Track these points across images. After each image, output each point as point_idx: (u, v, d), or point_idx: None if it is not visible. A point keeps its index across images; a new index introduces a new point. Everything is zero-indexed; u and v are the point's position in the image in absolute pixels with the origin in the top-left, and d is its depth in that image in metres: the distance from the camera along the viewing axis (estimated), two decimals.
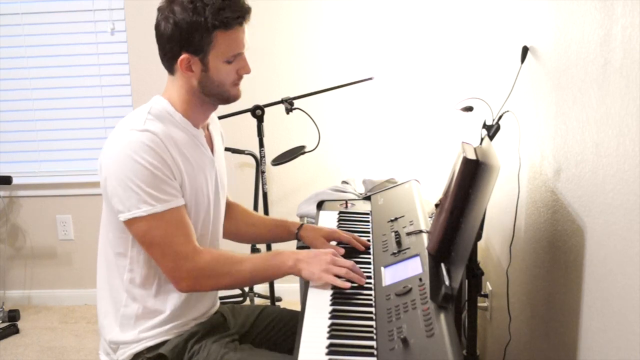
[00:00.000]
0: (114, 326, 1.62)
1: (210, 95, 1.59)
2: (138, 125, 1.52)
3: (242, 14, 1.52)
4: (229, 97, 1.61)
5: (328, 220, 2.01)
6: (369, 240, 1.80)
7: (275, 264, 1.57)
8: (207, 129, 1.71)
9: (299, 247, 2.09)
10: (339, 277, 1.52)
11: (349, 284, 1.50)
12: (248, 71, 1.60)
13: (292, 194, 3.38)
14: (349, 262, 1.56)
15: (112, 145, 1.53)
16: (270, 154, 2.83)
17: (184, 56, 1.52)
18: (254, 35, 3.48)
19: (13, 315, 3.34)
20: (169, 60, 1.56)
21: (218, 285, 1.60)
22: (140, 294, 1.59)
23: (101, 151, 1.55)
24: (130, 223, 1.51)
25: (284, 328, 1.81)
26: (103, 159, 1.54)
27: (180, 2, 1.49)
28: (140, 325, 1.59)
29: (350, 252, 1.74)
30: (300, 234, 1.87)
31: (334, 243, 1.80)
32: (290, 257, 1.56)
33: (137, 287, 1.59)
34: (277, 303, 3.08)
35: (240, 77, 1.60)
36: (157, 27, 1.55)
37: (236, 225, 1.88)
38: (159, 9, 1.54)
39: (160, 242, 1.50)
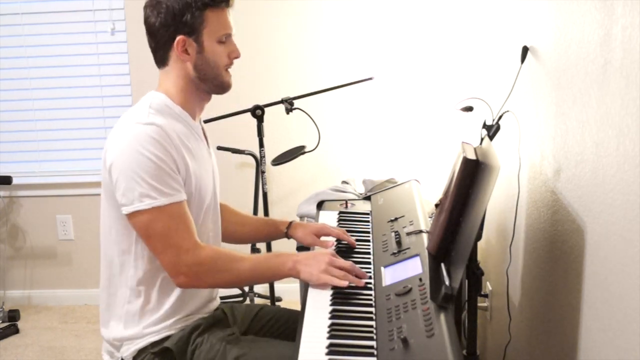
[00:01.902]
0: (118, 323, 1.62)
1: (205, 79, 1.62)
2: (142, 118, 1.53)
3: None
4: (223, 83, 1.65)
5: (328, 220, 2.00)
6: (369, 241, 1.80)
7: (275, 265, 1.58)
8: (200, 123, 1.73)
9: (298, 248, 2.10)
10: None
11: (347, 282, 1.51)
12: (238, 55, 1.65)
13: (292, 194, 3.38)
14: (348, 263, 1.56)
15: (117, 138, 1.54)
16: (270, 154, 2.83)
17: (179, 38, 1.57)
18: (255, 35, 3.45)
19: (13, 315, 3.34)
20: (163, 47, 1.61)
21: (217, 282, 1.60)
22: (144, 289, 1.60)
23: (104, 147, 1.57)
24: (132, 216, 1.51)
25: (283, 327, 1.81)
26: (107, 154, 1.55)
27: None
28: (144, 321, 1.60)
29: (350, 252, 1.74)
30: (289, 232, 1.88)
31: (324, 238, 1.80)
32: (289, 259, 1.57)
33: (142, 283, 1.59)
34: (277, 303, 3.08)
35: (231, 62, 1.65)
36: (147, 20, 1.61)
37: (224, 225, 1.86)
38: (145, 5, 1.61)
39: (162, 236, 1.51)
